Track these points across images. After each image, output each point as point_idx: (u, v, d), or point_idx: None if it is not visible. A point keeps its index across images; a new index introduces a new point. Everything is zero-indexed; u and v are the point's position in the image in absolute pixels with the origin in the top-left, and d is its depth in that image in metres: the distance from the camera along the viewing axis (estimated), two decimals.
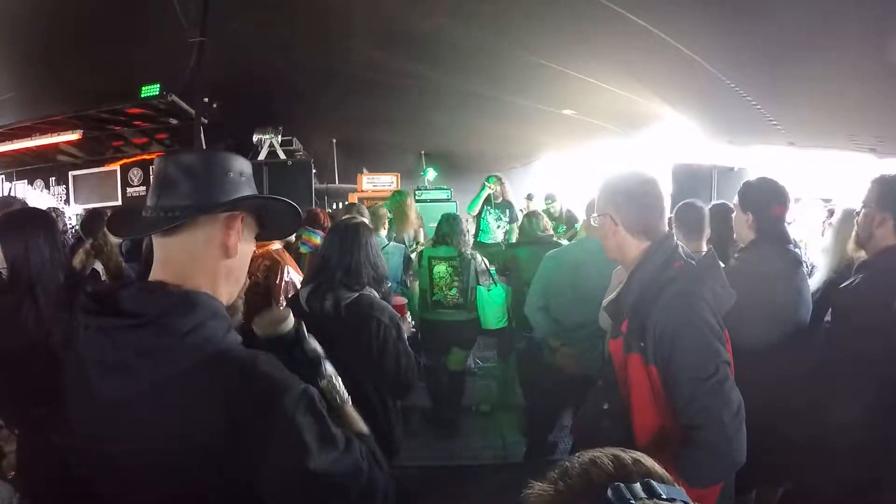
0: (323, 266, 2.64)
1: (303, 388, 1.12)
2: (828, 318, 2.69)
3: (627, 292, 1.89)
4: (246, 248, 1.26)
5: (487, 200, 6.63)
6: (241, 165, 1.23)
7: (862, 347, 2.30)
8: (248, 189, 1.23)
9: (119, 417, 1.09)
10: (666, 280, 1.79)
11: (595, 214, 1.99)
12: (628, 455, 0.80)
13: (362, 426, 1.39)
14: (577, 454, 0.82)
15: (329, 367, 1.44)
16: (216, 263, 1.21)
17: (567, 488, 0.77)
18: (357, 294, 2.57)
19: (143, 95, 7.76)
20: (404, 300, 3.07)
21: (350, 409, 1.40)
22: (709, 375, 1.67)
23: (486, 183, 6.55)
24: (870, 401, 2.23)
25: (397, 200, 5.51)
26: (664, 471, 0.79)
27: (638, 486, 0.74)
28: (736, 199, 2.91)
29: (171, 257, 1.18)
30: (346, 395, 1.42)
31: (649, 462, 0.80)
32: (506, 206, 6.68)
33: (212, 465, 1.06)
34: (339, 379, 1.44)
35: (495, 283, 4.59)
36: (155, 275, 1.19)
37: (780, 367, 2.37)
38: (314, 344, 1.47)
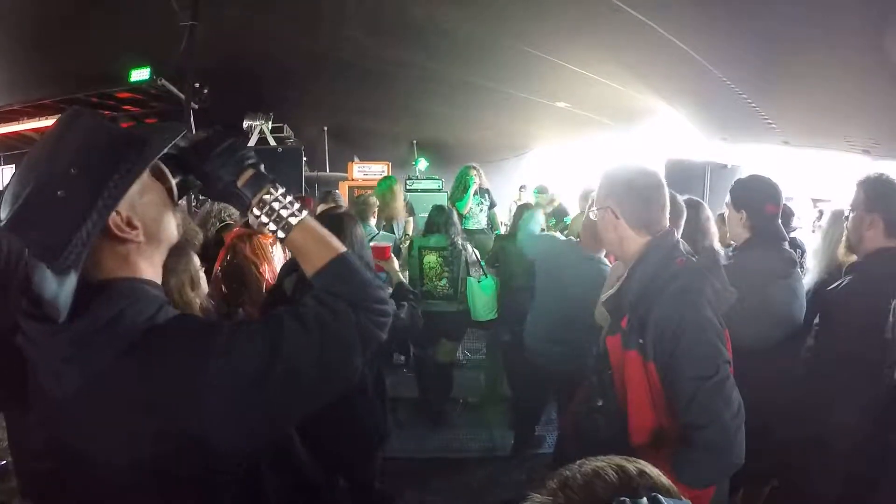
0: None
1: (226, 332, 1.08)
2: (817, 319, 2.68)
3: (628, 288, 1.85)
4: (147, 199, 1.12)
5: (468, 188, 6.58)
6: (77, 145, 1.03)
7: (852, 348, 2.29)
8: (98, 165, 1.03)
9: (66, 417, 1.06)
10: (668, 276, 1.77)
11: (594, 208, 1.95)
12: (633, 466, 0.77)
13: (333, 243, 1.22)
14: (577, 463, 0.78)
15: (261, 175, 1.20)
16: (122, 245, 1.10)
17: (568, 501, 0.74)
18: None
19: (132, 80, 7.65)
20: (388, 244, 3.08)
21: (308, 222, 1.21)
22: (711, 375, 1.65)
23: (469, 179, 6.45)
24: (859, 400, 2.23)
25: (385, 187, 5.46)
26: (669, 482, 0.76)
27: (644, 500, 0.70)
28: (728, 199, 2.88)
29: None
30: (292, 210, 1.19)
31: (654, 473, 0.77)
32: (484, 191, 6.66)
33: (168, 442, 1.03)
34: (280, 189, 1.20)
35: (485, 274, 4.56)
36: None
37: (772, 366, 2.36)
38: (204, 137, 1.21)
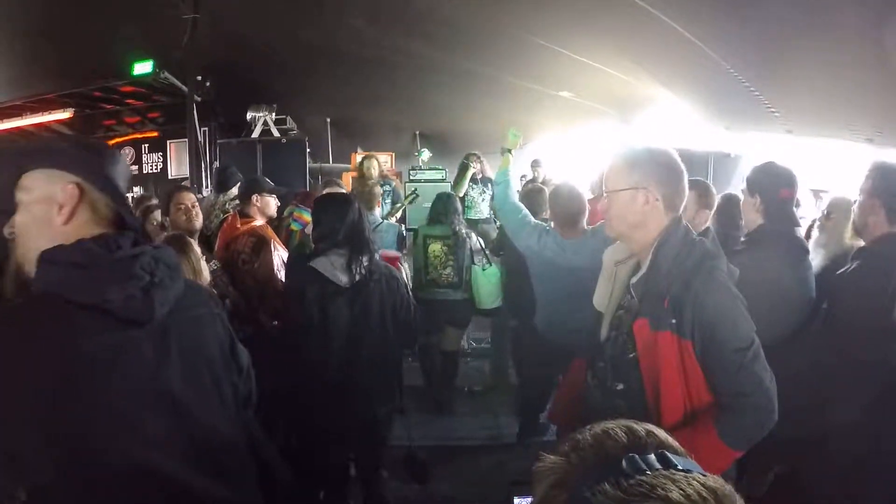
0: (332, 235, 2.71)
1: None
2: (825, 304, 2.71)
3: (658, 269, 1.84)
4: None
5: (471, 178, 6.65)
6: None
7: (860, 331, 2.32)
8: None
9: None
10: (698, 256, 1.82)
11: (619, 188, 1.90)
12: (641, 427, 0.79)
13: None
14: (587, 427, 0.81)
15: None
16: None
17: (580, 460, 0.75)
18: (376, 258, 2.77)
19: (134, 73, 7.64)
20: (398, 254, 3.19)
21: None
22: (749, 345, 1.76)
23: (470, 164, 6.49)
24: (867, 384, 2.26)
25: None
26: (677, 443, 0.78)
27: (653, 457, 0.72)
28: (743, 184, 2.91)
29: None
30: None
31: (662, 434, 0.79)
32: (487, 180, 6.72)
33: None
34: None
35: (490, 262, 4.58)
36: None
37: (780, 352, 2.39)
38: None
